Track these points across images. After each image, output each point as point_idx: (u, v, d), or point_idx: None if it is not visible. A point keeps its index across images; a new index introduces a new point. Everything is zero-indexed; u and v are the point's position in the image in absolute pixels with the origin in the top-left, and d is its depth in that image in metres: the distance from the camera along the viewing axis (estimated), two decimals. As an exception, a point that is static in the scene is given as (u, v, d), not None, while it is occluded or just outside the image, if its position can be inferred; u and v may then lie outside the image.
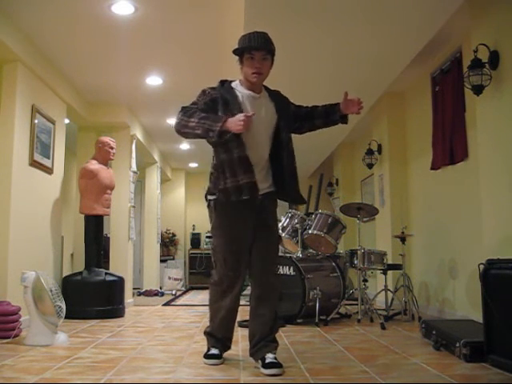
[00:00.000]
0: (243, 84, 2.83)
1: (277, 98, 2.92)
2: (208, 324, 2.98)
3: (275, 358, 2.69)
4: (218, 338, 2.92)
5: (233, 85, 2.85)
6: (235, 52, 2.74)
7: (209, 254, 10.32)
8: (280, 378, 2.55)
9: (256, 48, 2.69)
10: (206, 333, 2.98)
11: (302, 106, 3.02)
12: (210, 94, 2.78)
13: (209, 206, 2.88)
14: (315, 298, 4.57)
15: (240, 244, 2.80)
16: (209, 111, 2.72)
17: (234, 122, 2.56)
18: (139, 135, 6.94)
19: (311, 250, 5.17)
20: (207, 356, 2.88)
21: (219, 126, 2.57)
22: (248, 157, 2.70)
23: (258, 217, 2.81)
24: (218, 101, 2.74)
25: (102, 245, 5.49)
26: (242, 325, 4.42)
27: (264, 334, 2.77)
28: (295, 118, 2.97)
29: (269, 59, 2.75)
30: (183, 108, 2.77)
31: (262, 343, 2.76)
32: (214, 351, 2.88)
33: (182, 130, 2.74)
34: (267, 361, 2.66)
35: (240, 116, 2.56)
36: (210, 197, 2.86)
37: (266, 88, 2.93)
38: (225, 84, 2.85)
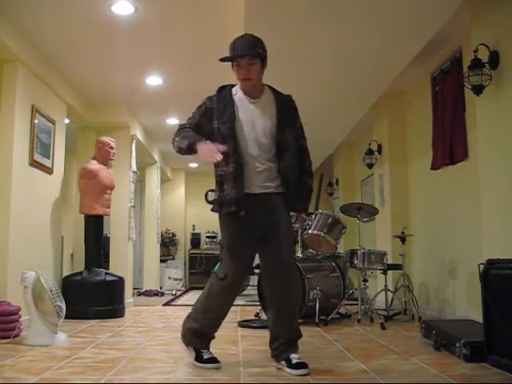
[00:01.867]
0: (242, 88, 2.84)
1: (283, 101, 2.86)
2: (190, 318, 2.87)
3: (300, 358, 2.68)
4: (209, 335, 2.87)
5: (233, 90, 2.85)
6: (223, 61, 2.76)
7: (208, 254, 10.34)
8: (280, 378, 2.55)
9: (240, 55, 2.70)
10: (190, 329, 2.85)
11: (303, 151, 2.91)
12: (205, 105, 2.82)
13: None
14: (315, 298, 4.57)
15: (241, 255, 2.84)
16: (204, 123, 2.79)
17: (206, 150, 2.61)
18: (139, 135, 6.94)
19: (311, 250, 5.17)
20: (205, 360, 2.78)
21: (185, 145, 2.69)
22: (240, 170, 2.71)
23: (264, 218, 2.78)
24: (214, 111, 2.77)
25: (102, 245, 5.49)
26: (242, 325, 4.42)
27: (288, 336, 2.75)
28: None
29: (256, 63, 2.73)
30: (179, 126, 2.86)
31: (286, 345, 2.73)
32: (209, 355, 2.82)
33: (174, 148, 2.83)
34: (294, 361, 2.65)
35: (213, 148, 2.58)
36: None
37: (274, 91, 2.89)
38: (222, 91, 2.85)
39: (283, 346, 2.73)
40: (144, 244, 8.74)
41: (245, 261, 2.88)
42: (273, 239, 2.80)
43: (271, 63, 4.79)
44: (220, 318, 2.87)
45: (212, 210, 2.86)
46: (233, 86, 2.89)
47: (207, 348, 2.85)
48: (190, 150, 2.68)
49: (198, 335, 2.85)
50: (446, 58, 5.01)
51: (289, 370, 2.64)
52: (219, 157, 2.55)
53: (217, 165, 2.77)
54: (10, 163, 4.13)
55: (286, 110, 2.84)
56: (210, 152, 2.57)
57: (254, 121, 2.77)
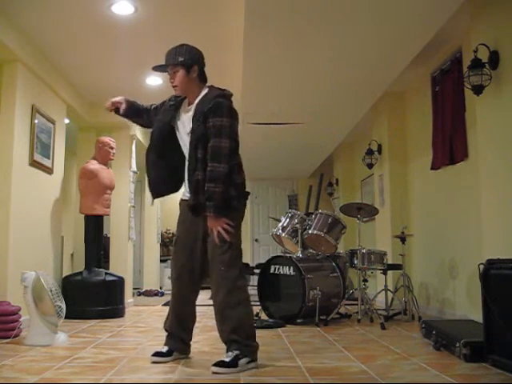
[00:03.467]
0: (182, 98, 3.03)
1: (201, 106, 2.82)
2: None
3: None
4: None
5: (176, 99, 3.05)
6: (155, 70, 3.04)
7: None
8: (280, 378, 2.55)
9: (165, 65, 2.92)
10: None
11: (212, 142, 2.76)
12: (164, 101, 3.11)
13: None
14: (315, 298, 4.57)
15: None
16: (152, 113, 3.16)
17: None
18: (139, 135, 6.94)
19: (311, 250, 5.17)
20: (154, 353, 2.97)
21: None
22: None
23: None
24: (162, 108, 3.07)
25: (102, 245, 5.49)
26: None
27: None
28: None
29: (179, 70, 2.86)
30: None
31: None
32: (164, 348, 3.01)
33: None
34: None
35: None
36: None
37: (207, 94, 2.87)
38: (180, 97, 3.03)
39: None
40: (144, 244, 8.74)
41: None
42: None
43: (272, 63, 4.79)
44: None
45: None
46: None
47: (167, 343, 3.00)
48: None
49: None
50: (446, 58, 5.01)
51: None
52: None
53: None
54: (10, 163, 4.13)
55: (197, 118, 2.81)
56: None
57: (183, 128, 2.92)
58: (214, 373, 2.61)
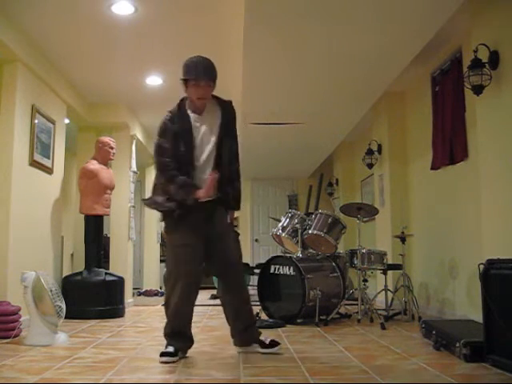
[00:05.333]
0: (190, 106, 3.11)
1: (225, 110, 3.18)
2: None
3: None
4: None
5: (186, 107, 3.11)
6: (183, 78, 3.04)
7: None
8: (280, 378, 2.55)
9: (202, 78, 3.01)
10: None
11: (233, 155, 3.22)
12: (171, 130, 3.04)
13: None
14: (315, 298, 4.57)
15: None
16: (172, 146, 3.03)
17: (205, 194, 2.96)
18: (139, 135, 6.94)
19: (311, 250, 5.17)
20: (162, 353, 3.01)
21: (192, 198, 2.97)
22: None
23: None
24: (178, 136, 3.03)
25: (102, 245, 5.49)
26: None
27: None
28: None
29: (212, 85, 3.07)
30: (161, 167, 3.07)
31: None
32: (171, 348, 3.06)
33: (164, 190, 3.05)
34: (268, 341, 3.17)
35: (208, 188, 2.96)
36: None
37: (217, 99, 3.19)
38: (181, 108, 3.11)
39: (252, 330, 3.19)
40: (144, 244, 8.73)
41: None
42: None
43: (272, 63, 4.79)
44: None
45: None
46: (182, 101, 3.14)
47: (172, 344, 3.07)
48: (195, 200, 2.97)
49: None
50: (446, 58, 5.01)
51: (265, 350, 3.11)
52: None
53: None
54: (10, 163, 4.13)
55: (227, 122, 3.17)
56: (208, 193, 2.95)
57: (202, 138, 3.09)
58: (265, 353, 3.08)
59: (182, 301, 3.05)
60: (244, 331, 3.19)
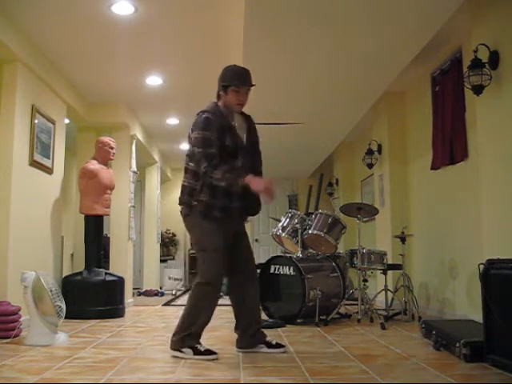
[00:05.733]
0: (223, 110, 3.16)
1: (248, 120, 3.35)
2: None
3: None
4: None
5: (221, 110, 3.16)
6: (225, 84, 3.12)
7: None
8: (280, 378, 2.55)
9: (245, 85, 3.14)
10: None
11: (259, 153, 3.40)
12: (218, 124, 3.07)
13: None
14: (315, 298, 4.57)
15: None
16: (217, 140, 3.05)
17: (258, 183, 2.97)
18: (139, 135, 6.94)
19: (311, 250, 5.17)
20: (203, 352, 3.01)
21: (240, 183, 2.98)
22: None
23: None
24: (224, 129, 3.09)
25: (102, 245, 5.49)
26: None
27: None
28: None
29: (249, 92, 3.19)
30: (207, 156, 3.02)
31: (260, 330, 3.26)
32: (204, 347, 3.06)
33: (210, 180, 3.04)
34: (274, 342, 3.23)
35: (267, 182, 2.98)
36: None
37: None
38: (217, 108, 3.16)
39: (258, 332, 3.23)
40: (144, 244, 8.74)
41: None
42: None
43: (272, 63, 4.79)
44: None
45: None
46: (216, 104, 3.19)
47: (199, 343, 3.08)
48: (244, 187, 2.99)
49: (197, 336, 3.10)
50: (446, 58, 5.01)
51: (271, 350, 3.17)
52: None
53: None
54: (10, 163, 4.13)
55: (252, 128, 3.34)
56: (265, 187, 2.96)
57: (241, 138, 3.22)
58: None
59: (215, 306, 3.14)
60: (254, 335, 3.22)
